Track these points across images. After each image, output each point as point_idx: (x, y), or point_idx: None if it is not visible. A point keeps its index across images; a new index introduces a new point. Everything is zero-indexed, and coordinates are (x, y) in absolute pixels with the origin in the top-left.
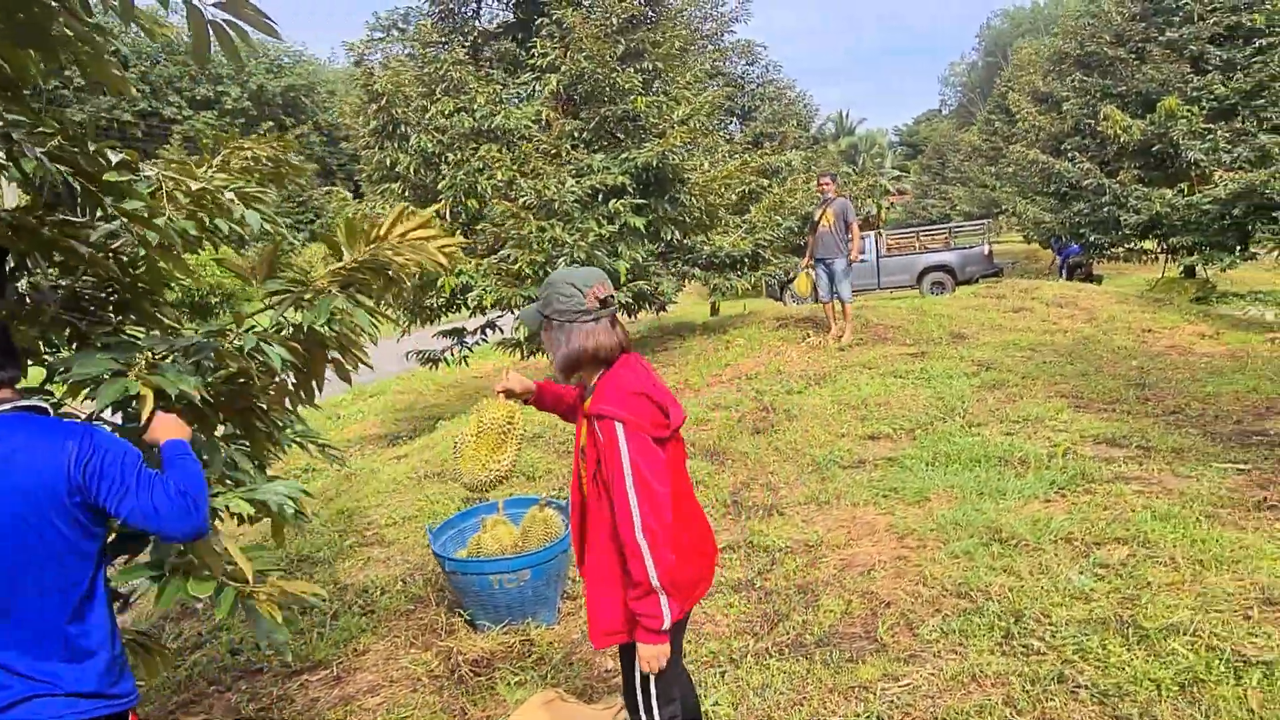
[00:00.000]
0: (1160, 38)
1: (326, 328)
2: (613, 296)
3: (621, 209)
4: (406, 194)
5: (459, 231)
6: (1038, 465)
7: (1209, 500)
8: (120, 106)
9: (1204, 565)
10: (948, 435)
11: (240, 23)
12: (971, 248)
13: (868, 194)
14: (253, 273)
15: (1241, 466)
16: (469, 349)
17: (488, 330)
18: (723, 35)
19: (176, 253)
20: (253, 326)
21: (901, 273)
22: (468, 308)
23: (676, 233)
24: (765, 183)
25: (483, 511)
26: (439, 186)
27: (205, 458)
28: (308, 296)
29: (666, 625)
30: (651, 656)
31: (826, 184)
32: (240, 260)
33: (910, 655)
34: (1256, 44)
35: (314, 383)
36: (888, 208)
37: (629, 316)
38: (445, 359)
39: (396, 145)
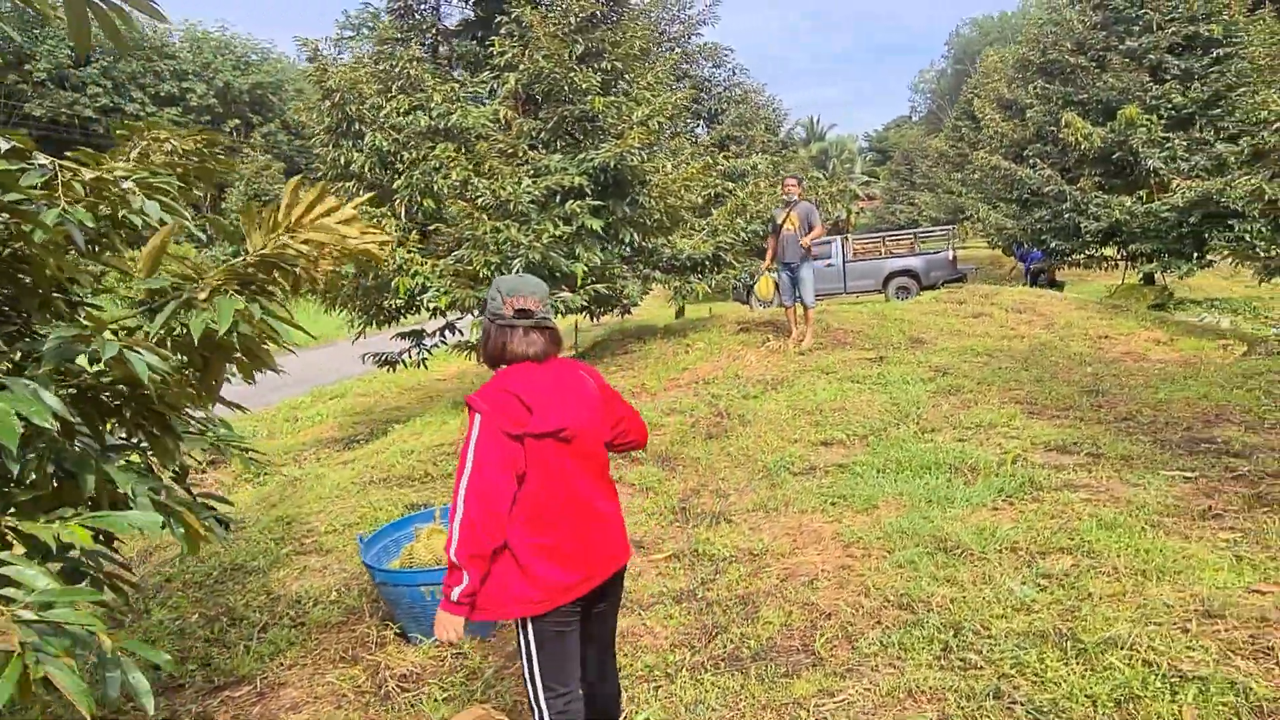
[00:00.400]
0: (1120, 46)
1: (231, 332)
2: (536, 312)
3: (578, 210)
4: (361, 193)
5: (415, 232)
6: (987, 472)
7: (1155, 509)
8: (80, 102)
9: (1146, 576)
10: (900, 441)
11: (123, 4)
12: (936, 253)
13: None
14: (138, 268)
15: (1188, 474)
16: (427, 351)
17: (446, 333)
18: (689, 38)
19: (75, 248)
20: (132, 328)
21: (867, 277)
22: (426, 309)
23: (636, 235)
24: (730, 186)
25: (419, 520)
26: (394, 186)
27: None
28: (201, 296)
29: (455, 597)
30: (441, 624)
31: (792, 186)
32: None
33: (847, 669)
34: (1214, 54)
35: (213, 384)
36: (857, 213)
37: (592, 320)
38: (403, 361)
39: (351, 143)
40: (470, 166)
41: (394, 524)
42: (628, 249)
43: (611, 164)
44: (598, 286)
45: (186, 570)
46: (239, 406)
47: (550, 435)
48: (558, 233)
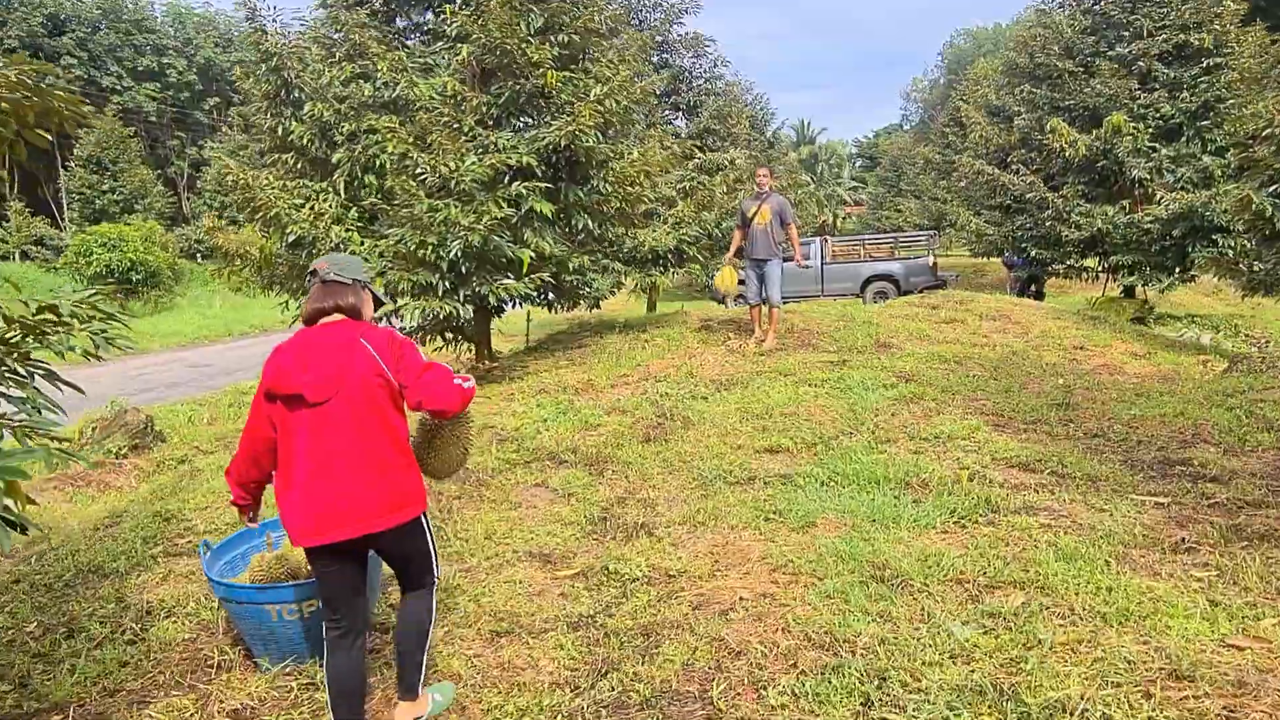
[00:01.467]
0: (1110, 52)
1: None
2: (319, 272)
3: (524, 192)
4: (300, 166)
5: (354, 210)
6: (940, 489)
7: (1121, 539)
8: (54, 72)
9: (1106, 620)
10: (851, 451)
11: None
12: (916, 258)
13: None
14: None
15: (1160, 500)
16: None
17: (392, 319)
18: (670, 27)
19: None
20: None
21: (845, 280)
22: None
23: (591, 222)
24: (706, 179)
25: (273, 527)
26: (334, 159)
27: None
28: None
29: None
30: None
31: (764, 177)
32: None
33: None
34: (1204, 64)
35: None
36: (843, 218)
37: (552, 311)
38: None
39: (290, 113)
40: (410, 140)
41: (246, 531)
42: (583, 235)
43: (562, 144)
44: (544, 275)
45: (39, 570)
46: (75, 387)
47: (289, 397)
48: (501, 214)
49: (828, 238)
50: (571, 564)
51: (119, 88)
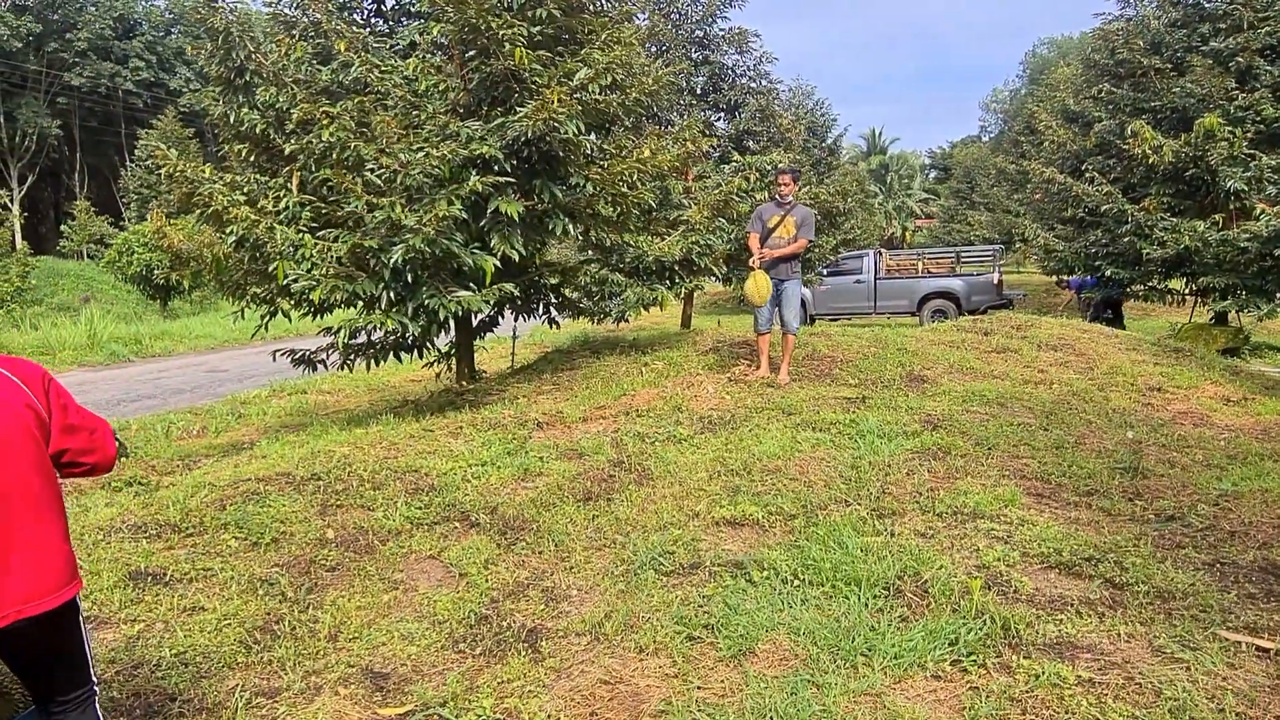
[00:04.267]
0: (1203, 47)
1: None
2: None
3: (480, 187)
4: (255, 159)
5: (308, 210)
6: (942, 602)
7: (1202, 717)
8: (121, 75)
9: None
10: (837, 530)
11: None
12: (980, 275)
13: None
14: None
15: (1265, 644)
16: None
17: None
18: (711, 21)
19: None
20: None
21: (900, 298)
22: (303, 303)
23: (572, 227)
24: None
25: None
26: (287, 151)
27: None
28: None
29: None
30: None
31: (786, 184)
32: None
33: None
34: None
35: None
36: (913, 230)
37: (553, 327)
38: (322, 362)
39: (241, 99)
40: (349, 128)
41: None
42: (576, 241)
43: (530, 134)
44: (506, 286)
45: None
46: None
47: None
48: (452, 213)
49: (883, 250)
50: (403, 699)
51: (186, 90)
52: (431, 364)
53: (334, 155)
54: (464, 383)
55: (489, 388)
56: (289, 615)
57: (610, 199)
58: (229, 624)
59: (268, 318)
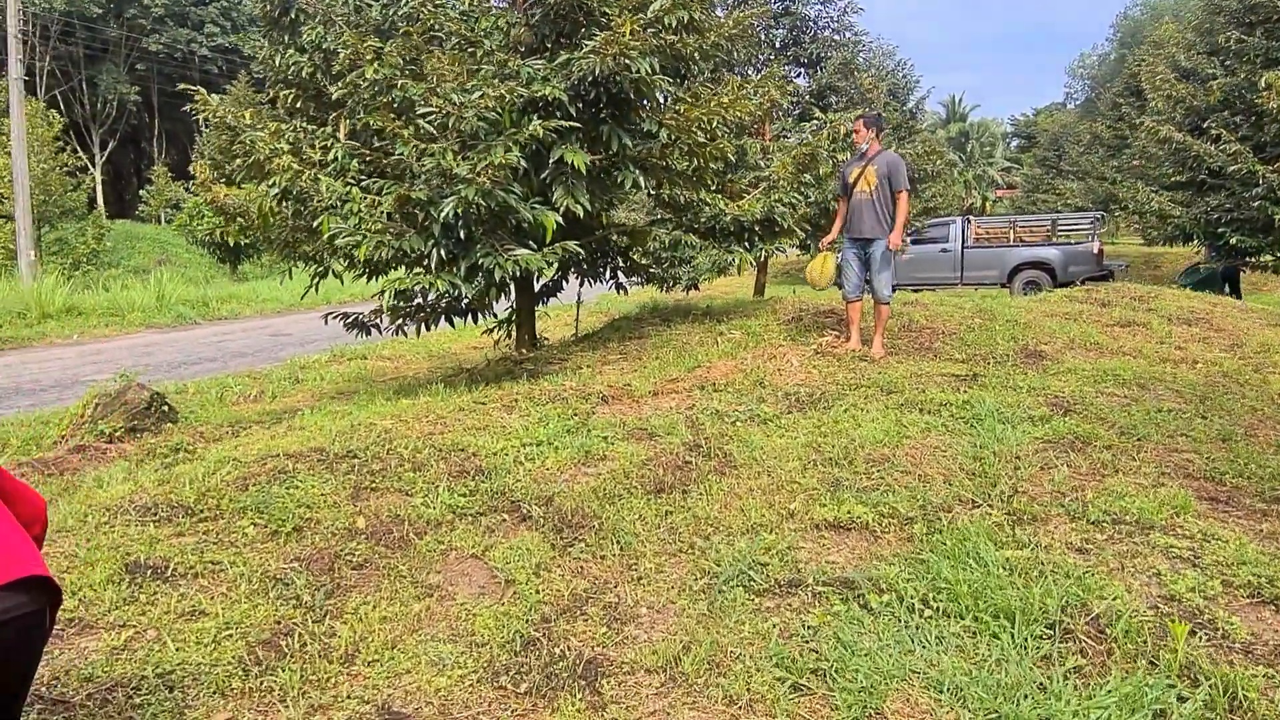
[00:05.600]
0: None
1: None
2: None
3: (540, 133)
4: (302, 105)
5: (356, 160)
6: (1130, 649)
7: None
8: (196, 40)
9: None
10: (969, 539)
11: None
12: (1078, 244)
13: (973, 184)
14: None
15: None
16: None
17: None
18: None
19: None
20: None
21: (989, 268)
22: (354, 263)
23: (644, 180)
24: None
25: None
26: (334, 96)
27: None
28: None
29: None
30: None
31: (859, 130)
32: None
33: None
34: None
35: None
36: (994, 200)
37: (621, 293)
38: (376, 326)
39: (288, 39)
40: (397, 65)
41: None
42: (645, 196)
43: (602, 72)
44: (570, 245)
45: None
46: None
47: None
48: (509, 162)
49: (971, 217)
50: None
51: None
52: (491, 330)
53: (381, 98)
54: (524, 350)
55: (550, 356)
56: (301, 627)
57: (686, 150)
58: (230, 635)
59: (317, 278)
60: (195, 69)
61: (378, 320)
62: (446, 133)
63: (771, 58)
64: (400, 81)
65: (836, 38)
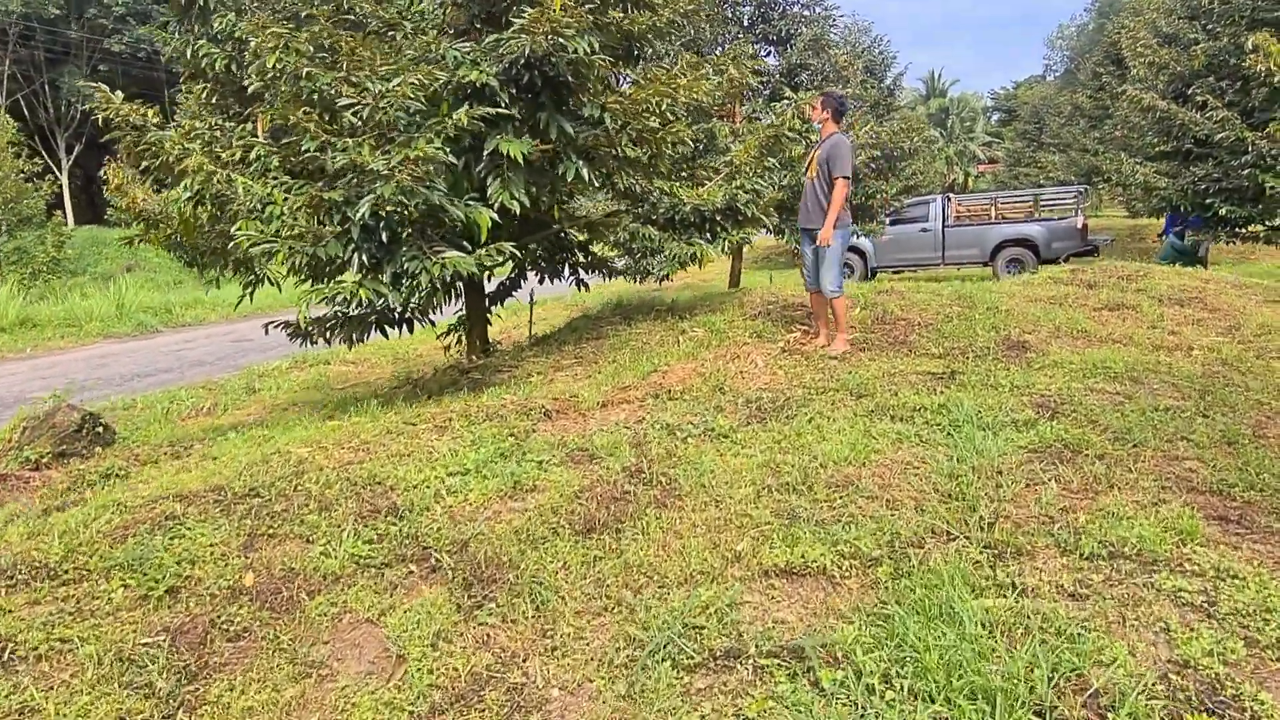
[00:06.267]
0: None
1: None
2: None
3: (466, 120)
4: (218, 100)
5: (276, 159)
6: None
7: None
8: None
9: None
10: (942, 585)
11: None
12: (1061, 219)
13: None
14: None
15: None
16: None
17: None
18: None
19: None
20: None
21: (971, 246)
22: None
23: (586, 170)
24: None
25: None
26: (249, 90)
27: None
28: None
29: None
30: None
31: (816, 110)
32: None
33: None
34: None
35: None
36: (975, 176)
37: (581, 289)
38: (323, 338)
39: (197, 28)
40: (305, 52)
41: None
42: (591, 187)
43: (529, 53)
44: (506, 245)
45: None
46: None
47: None
48: (429, 154)
49: (951, 195)
50: None
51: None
52: (446, 334)
53: (289, 89)
54: (475, 357)
55: (501, 363)
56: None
57: (636, 136)
58: None
59: (251, 287)
60: (161, 69)
61: (324, 332)
62: (368, 125)
63: (740, 34)
64: (307, 70)
65: (807, 13)
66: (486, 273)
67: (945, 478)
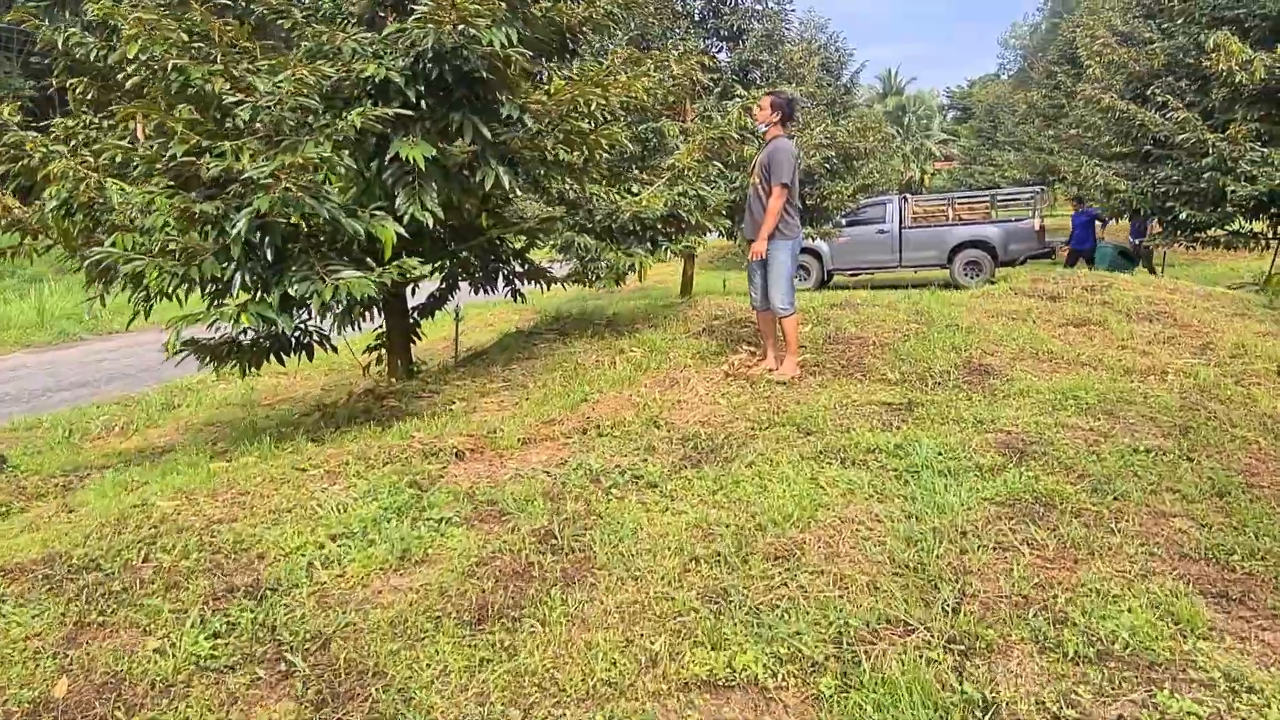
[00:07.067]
0: None
1: None
2: None
3: (360, 121)
4: (93, 96)
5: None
6: None
7: None
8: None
9: None
10: (900, 699)
11: None
12: (1018, 221)
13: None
14: None
15: None
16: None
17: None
18: None
19: None
20: None
21: (928, 249)
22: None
23: (507, 177)
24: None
25: None
26: (127, 82)
27: None
28: None
29: None
30: None
31: (765, 110)
32: None
33: None
34: None
35: None
36: (932, 174)
37: (516, 300)
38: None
39: (70, 16)
40: (178, 41)
41: None
42: (514, 195)
43: (436, 46)
44: (410, 263)
45: None
46: None
47: None
48: (315, 159)
49: (908, 196)
50: None
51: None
52: (368, 350)
53: (162, 84)
54: (395, 379)
55: (421, 388)
56: None
57: (564, 138)
58: None
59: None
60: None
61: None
62: (252, 128)
63: (690, 29)
64: (173, 63)
65: (759, 7)
66: (411, 286)
67: (902, 543)
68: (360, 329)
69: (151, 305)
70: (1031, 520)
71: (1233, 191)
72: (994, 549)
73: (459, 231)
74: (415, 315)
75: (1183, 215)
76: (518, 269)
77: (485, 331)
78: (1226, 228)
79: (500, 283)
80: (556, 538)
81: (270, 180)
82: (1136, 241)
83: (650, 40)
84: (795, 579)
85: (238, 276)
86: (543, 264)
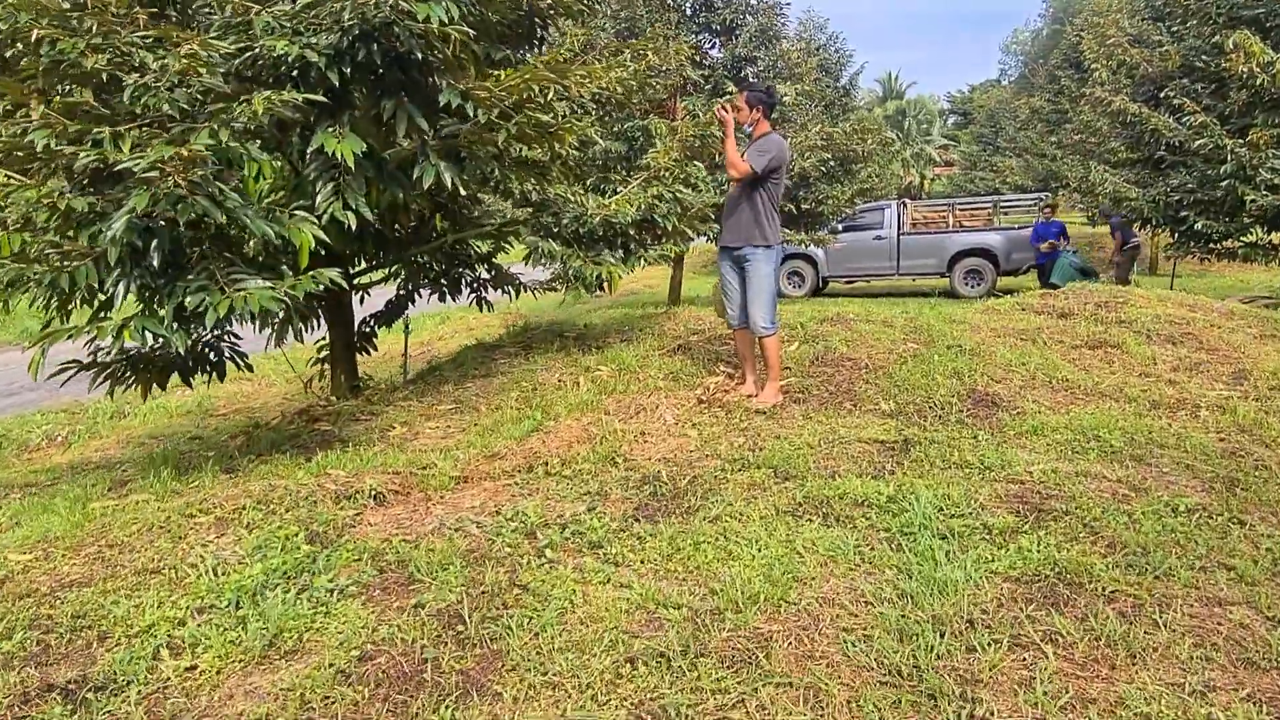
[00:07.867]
0: None
1: None
2: None
3: (264, 106)
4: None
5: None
6: None
7: None
8: None
9: None
10: None
11: None
12: (1022, 228)
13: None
14: None
15: None
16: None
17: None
18: None
19: None
20: None
21: (927, 256)
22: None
23: (448, 175)
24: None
25: None
26: (21, 68)
27: None
28: None
29: None
30: None
31: (743, 109)
32: None
33: None
34: None
35: None
36: (932, 179)
37: (483, 309)
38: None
39: None
40: (47, 10)
41: None
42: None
43: (363, 23)
44: (326, 272)
45: None
46: None
47: None
48: (197, 152)
49: (906, 201)
50: None
51: None
52: (312, 363)
53: (33, 60)
54: (336, 397)
55: (360, 409)
56: None
57: (519, 132)
58: None
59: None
60: None
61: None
62: (139, 112)
63: (681, 23)
64: (39, 33)
65: (753, 2)
66: (360, 295)
67: (892, 638)
68: (303, 340)
69: (69, 313)
70: (1055, 606)
71: (1252, 201)
72: (1009, 647)
73: (419, 233)
74: (371, 324)
75: (1198, 225)
76: (484, 275)
77: (465, 336)
78: (1243, 239)
79: (465, 290)
80: (465, 623)
81: (153, 174)
82: (1129, 244)
83: (640, 34)
84: (756, 694)
85: (120, 286)
86: (511, 269)
